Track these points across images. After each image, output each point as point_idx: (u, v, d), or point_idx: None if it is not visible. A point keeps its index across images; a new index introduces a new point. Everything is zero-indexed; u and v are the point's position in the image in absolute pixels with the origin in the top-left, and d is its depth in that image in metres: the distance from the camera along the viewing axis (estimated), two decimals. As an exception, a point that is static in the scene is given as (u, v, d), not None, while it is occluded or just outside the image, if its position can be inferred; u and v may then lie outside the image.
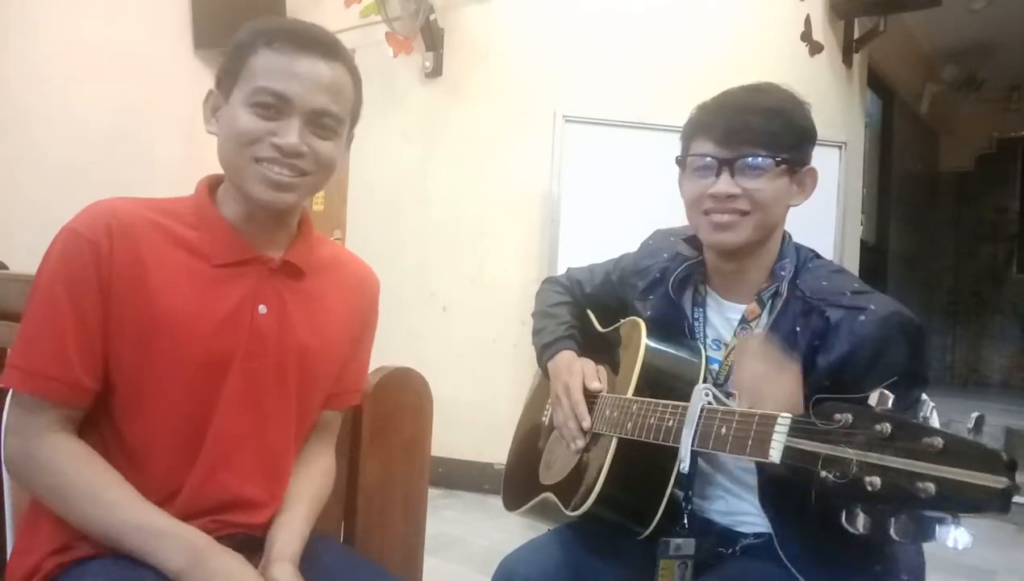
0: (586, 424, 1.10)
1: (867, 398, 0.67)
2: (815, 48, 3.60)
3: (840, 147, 3.32)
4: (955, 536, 0.59)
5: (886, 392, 0.66)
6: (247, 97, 0.90)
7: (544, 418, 1.34)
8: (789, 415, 0.75)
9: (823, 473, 0.66)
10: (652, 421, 0.98)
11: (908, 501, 0.59)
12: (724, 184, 1.04)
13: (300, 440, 1.04)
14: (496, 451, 3.16)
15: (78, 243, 0.86)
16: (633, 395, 1.06)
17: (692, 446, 0.90)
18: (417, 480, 1.29)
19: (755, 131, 1.02)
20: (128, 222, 0.89)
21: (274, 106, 0.89)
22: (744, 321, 1.09)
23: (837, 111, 3.87)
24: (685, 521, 1.07)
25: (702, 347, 1.12)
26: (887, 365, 0.94)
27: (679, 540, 1.05)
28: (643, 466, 1.02)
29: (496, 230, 3.29)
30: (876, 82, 4.86)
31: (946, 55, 5.76)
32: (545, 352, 1.27)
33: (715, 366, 1.10)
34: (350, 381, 1.09)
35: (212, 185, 0.99)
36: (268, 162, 0.89)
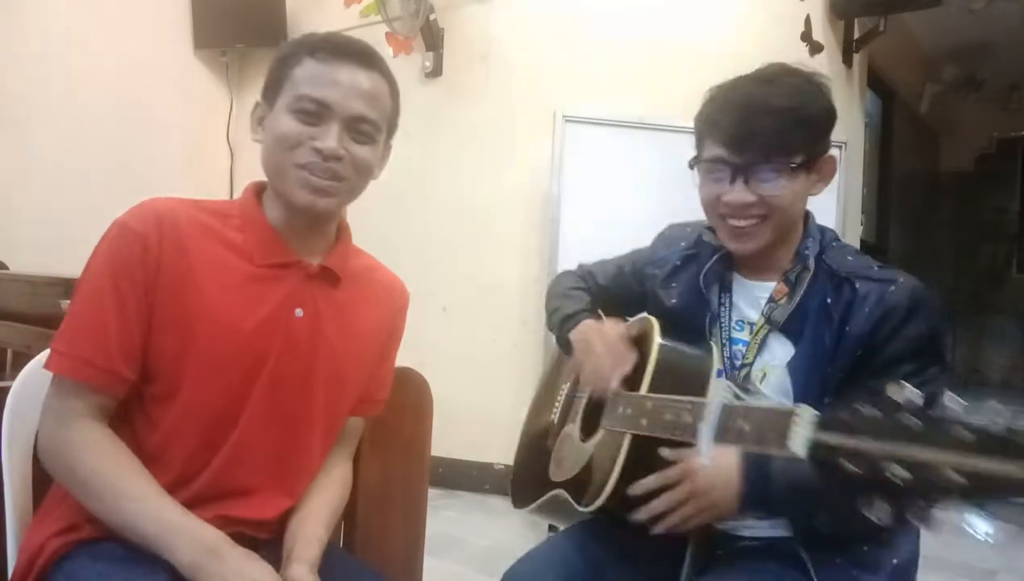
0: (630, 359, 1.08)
1: (886, 390, 0.66)
2: (815, 48, 3.60)
3: (840, 147, 3.31)
4: (985, 528, 0.58)
5: (903, 383, 0.65)
6: (290, 104, 0.93)
7: (553, 416, 1.33)
8: (811, 408, 0.74)
9: (849, 466, 0.65)
10: (668, 417, 0.96)
11: (939, 495, 0.59)
12: (738, 193, 1.02)
13: (325, 446, 1.05)
14: (496, 451, 3.18)
15: (127, 236, 0.89)
16: (647, 392, 1.05)
17: (711, 442, 0.87)
18: (417, 480, 1.29)
19: (767, 135, 0.99)
20: (177, 219, 0.92)
21: (315, 112, 0.93)
22: (772, 300, 1.08)
23: (837, 111, 3.87)
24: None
25: (714, 345, 1.11)
26: (913, 334, 0.97)
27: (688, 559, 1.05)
28: (656, 463, 1.00)
29: (496, 230, 3.29)
30: (876, 82, 4.86)
31: (946, 55, 5.76)
32: (566, 323, 1.23)
33: (741, 346, 1.09)
34: (375, 389, 1.11)
35: (258, 190, 1.02)
36: (308, 168, 0.92)
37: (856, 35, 3.97)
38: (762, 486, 0.96)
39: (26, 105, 3.25)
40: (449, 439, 2.98)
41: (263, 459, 0.96)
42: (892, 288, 0.99)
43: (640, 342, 1.15)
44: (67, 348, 0.88)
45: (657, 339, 1.10)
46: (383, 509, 1.24)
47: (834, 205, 3.30)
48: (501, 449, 3.12)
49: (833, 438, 0.69)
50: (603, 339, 1.14)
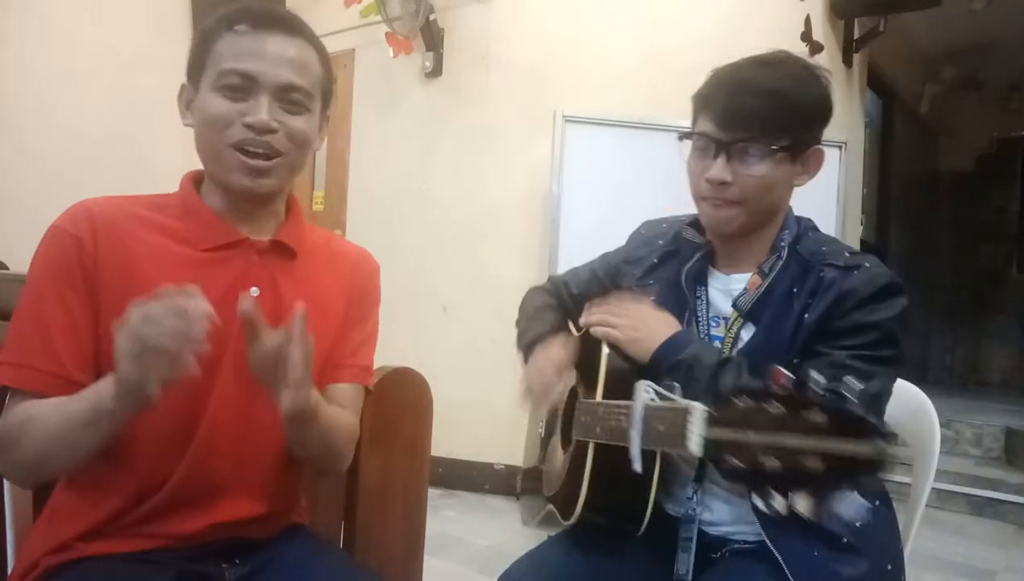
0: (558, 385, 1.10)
1: (770, 375, 0.66)
2: (815, 48, 3.60)
3: (840, 147, 3.32)
4: (849, 506, 0.59)
5: (780, 368, 0.65)
6: (214, 81, 0.91)
7: (539, 430, 1.34)
8: (702, 406, 0.73)
9: (732, 460, 0.65)
10: (612, 424, 0.96)
11: (803, 479, 0.60)
12: (718, 169, 1.01)
13: None
14: (496, 451, 3.18)
15: (61, 239, 0.88)
16: (601, 398, 1.04)
17: (640, 446, 0.88)
18: (417, 480, 1.29)
19: (752, 115, 0.98)
20: (110, 215, 0.90)
21: (242, 87, 0.90)
22: (745, 291, 1.07)
23: (837, 111, 3.80)
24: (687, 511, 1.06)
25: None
26: (864, 319, 0.96)
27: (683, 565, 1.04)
28: (622, 467, 0.97)
29: (496, 230, 3.29)
30: (876, 82, 4.85)
31: (946, 55, 5.76)
32: (532, 348, 1.21)
33: (718, 343, 1.08)
34: (351, 354, 1.06)
35: (196, 179, 1.00)
36: (243, 145, 0.90)
37: (856, 35, 3.97)
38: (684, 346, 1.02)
39: (25, 104, 3.25)
40: (449, 439, 2.98)
41: (236, 447, 0.93)
42: (855, 273, 0.98)
43: (596, 347, 1.11)
44: (12, 357, 0.86)
45: (606, 347, 1.08)
46: (383, 509, 1.24)
47: (834, 205, 3.30)
48: (501, 449, 3.13)
49: (721, 433, 0.69)
50: (542, 362, 1.14)
